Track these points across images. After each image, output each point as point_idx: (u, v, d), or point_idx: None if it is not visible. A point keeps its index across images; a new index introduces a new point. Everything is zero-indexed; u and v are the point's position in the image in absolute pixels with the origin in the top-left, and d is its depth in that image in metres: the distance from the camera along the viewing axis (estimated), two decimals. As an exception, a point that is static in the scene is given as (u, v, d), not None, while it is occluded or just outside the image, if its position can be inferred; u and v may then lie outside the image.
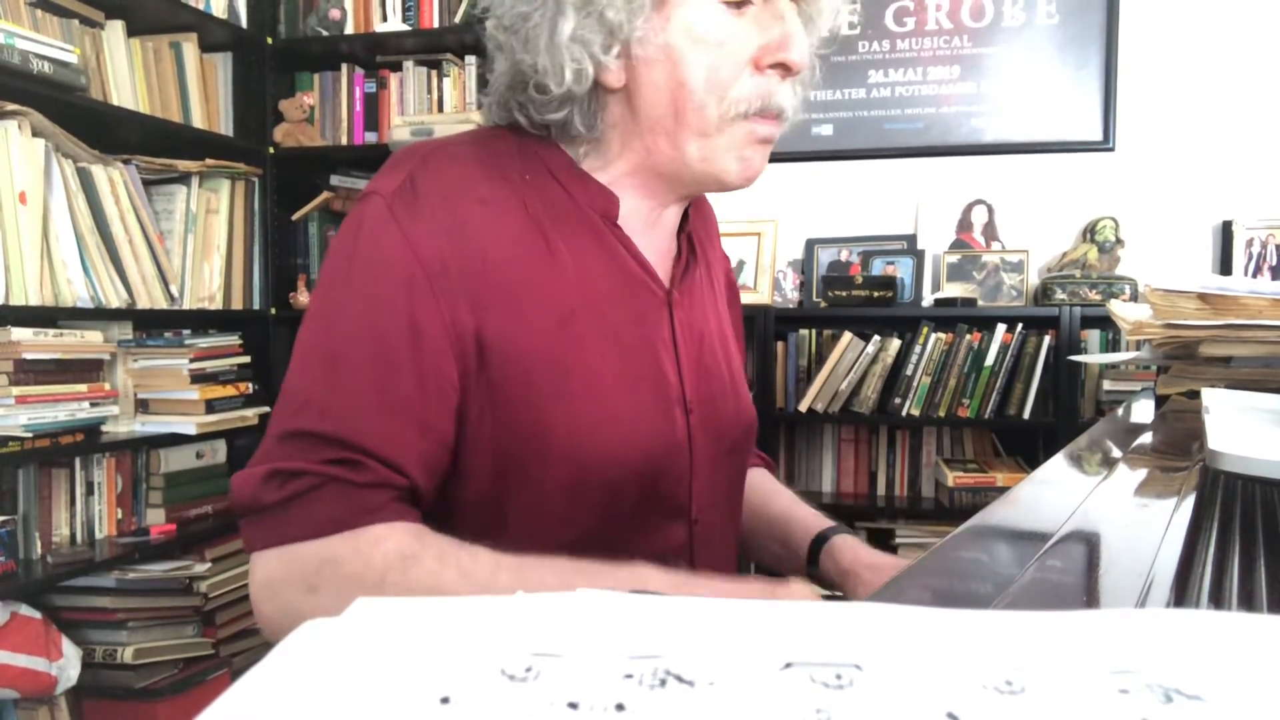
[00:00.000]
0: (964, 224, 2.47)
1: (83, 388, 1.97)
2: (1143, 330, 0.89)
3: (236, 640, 2.30)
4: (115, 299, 2.03)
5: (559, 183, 0.73)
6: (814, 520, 0.89)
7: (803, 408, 2.33)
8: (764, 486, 0.95)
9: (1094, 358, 2.25)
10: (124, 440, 2.09)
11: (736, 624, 0.21)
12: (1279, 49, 2.26)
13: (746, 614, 0.21)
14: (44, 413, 1.87)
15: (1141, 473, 0.56)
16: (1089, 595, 0.32)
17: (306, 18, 2.61)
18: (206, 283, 2.35)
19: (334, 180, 2.64)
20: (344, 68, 2.60)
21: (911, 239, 2.48)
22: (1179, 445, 0.67)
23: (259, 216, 2.53)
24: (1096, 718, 0.16)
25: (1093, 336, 2.29)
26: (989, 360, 2.24)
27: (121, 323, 2.15)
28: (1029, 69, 2.41)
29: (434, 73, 2.57)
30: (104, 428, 2.07)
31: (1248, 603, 0.31)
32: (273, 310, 2.54)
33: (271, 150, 2.54)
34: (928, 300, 2.42)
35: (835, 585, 0.83)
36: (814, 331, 2.42)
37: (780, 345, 2.41)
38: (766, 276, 2.49)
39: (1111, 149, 2.37)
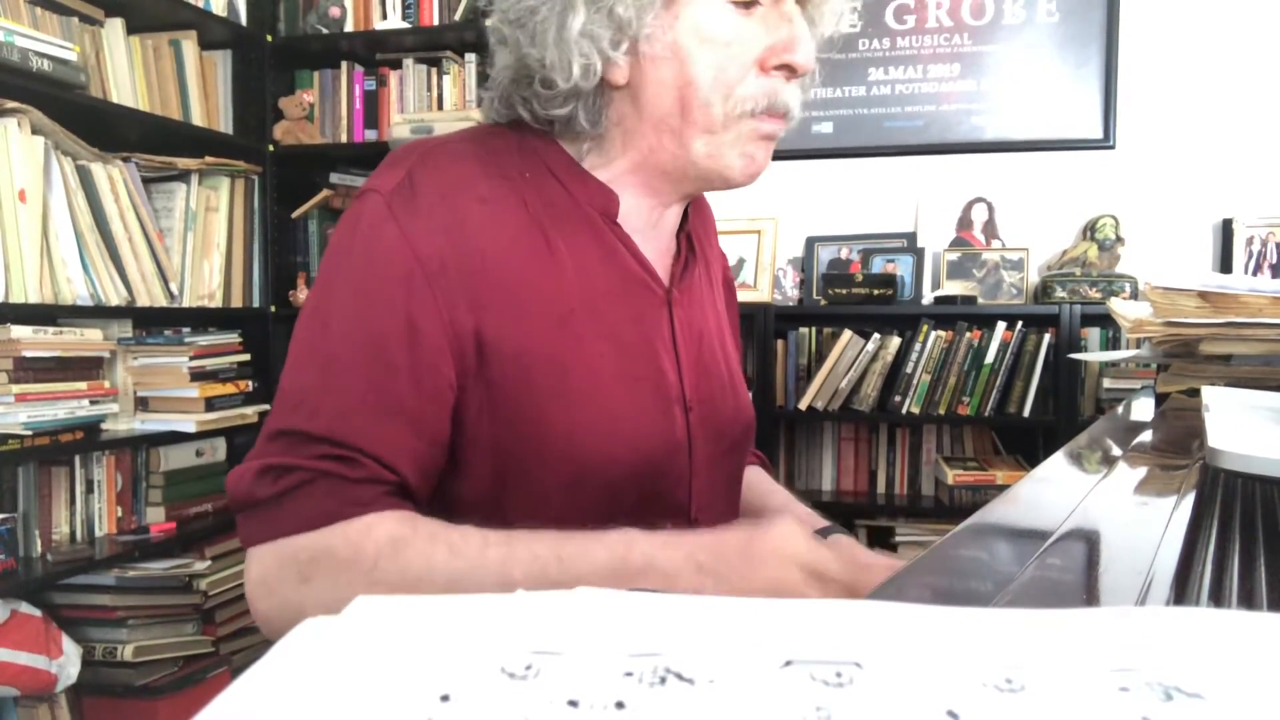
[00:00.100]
0: (964, 222, 2.47)
1: (82, 386, 1.97)
2: (1143, 328, 0.89)
3: (236, 638, 2.30)
4: (115, 297, 2.03)
5: (559, 181, 0.73)
6: (810, 520, 0.89)
7: (803, 406, 2.33)
8: (760, 485, 0.95)
9: (1094, 356, 2.25)
10: (124, 438, 2.09)
11: (736, 622, 0.21)
12: (1279, 48, 2.26)
13: (746, 612, 0.21)
14: (44, 411, 1.87)
15: (1141, 471, 0.56)
16: (1089, 593, 0.32)
17: (306, 15, 2.61)
18: (206, 280, 2.35)
19: (334, 178, 2.64)
20: (344, 65, 2.60)
21: (911, 237, 2.48)
22: (1179, 443, 0.67)
23: (259, 214, 2.53)
24: (1097, 715, 0.16)
25: (1093, 334, 2.29)
26: (989, 358, 2.24)
27: (121, 321, 2.15)
28: (1029, 67, 2.41)
29: (434, 70, 2.56)
30: (104, 426, 2.07)
31: (1248, 601, 0.31)
32: (272, 308, 2.54)
33: (271, 148, 2.54)
34: (928, 298, 2.42)
35: (838, 567, 0.83)
36: (814, 329, 2.42)
37: (780, 343, 2.41)
38: (766, 274, 2.49)
39: (1112, 147, 2.37)
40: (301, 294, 2.58)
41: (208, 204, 2.36)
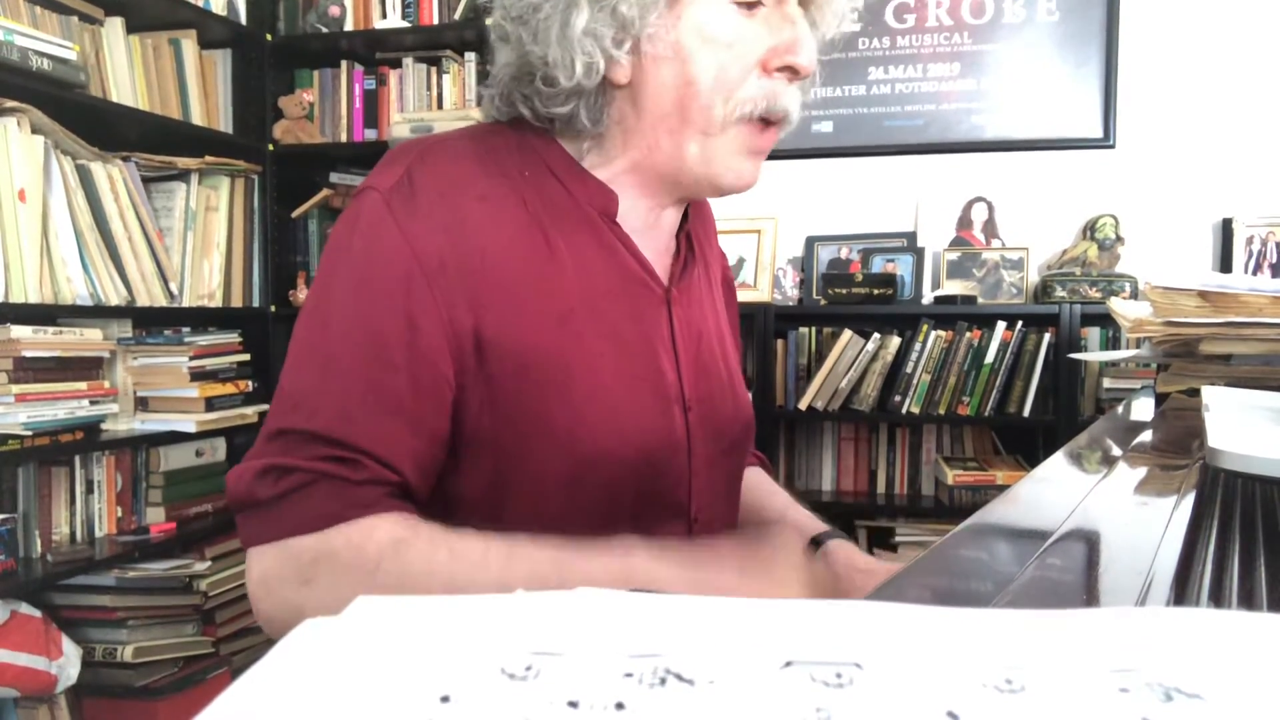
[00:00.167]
0: (964, 221, 2.47)
1: (82, 386, 1.97)
2: (1143, 328, 0.89)
3: (236, 639, 2.30)
4: (115, 296, 2.03)
5: (558, 179, 0.73)
6: (809, 524, 0.88)
7: (802, 406, 2.33)
8: (760, 487, 0.95)
9: (1094, 355, 2.25)
10: (123, 438, 2.09)
11: (736, 623, 0.21)
12: (1279, 47, 2.26)
13: (746, 613, 0.21)
14: (43, 411, 1.87)
15: (1141, 471, 0.56)
16: (1089, 594, 0.32)
17: (306, 14, 2.61)
18: (206, 280, 2.35)
19: (334, 177, 2.64)
20: (343, 64, 2.60)
21: (911, 236, 2.48)
22: (1179, 443, 0.67)
23: (258, 213, 2.53)
24: (1096, 716, 0.16)
25: (1093, 334, 2.29)
26: (989, 358, 2.24)
27: (121, 320, 2.15)
28: (1029, 66, 2.41)
29: (434, 69, 2.56)
30: (103, 426, 2.07)
31: (1248, 601, 0.31)
32: (272, 307, 2.54)
33: (271, 147, 2.54)
34: (928, 298, 2.42)
35: (829, 590, 0.83)
36: (814, 329, 2.42)
37: (780, 343, 2.41)
38: (766, 274, 2.49)
39: (1112, 146, 2.37)
40: (301, 293, 2.58)
41: (207, 203, 2.36)
